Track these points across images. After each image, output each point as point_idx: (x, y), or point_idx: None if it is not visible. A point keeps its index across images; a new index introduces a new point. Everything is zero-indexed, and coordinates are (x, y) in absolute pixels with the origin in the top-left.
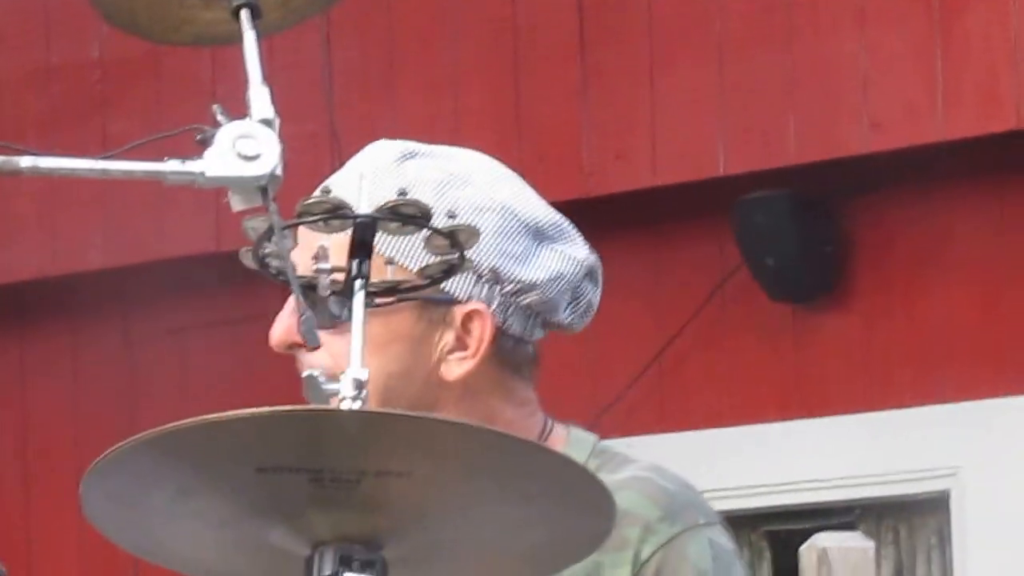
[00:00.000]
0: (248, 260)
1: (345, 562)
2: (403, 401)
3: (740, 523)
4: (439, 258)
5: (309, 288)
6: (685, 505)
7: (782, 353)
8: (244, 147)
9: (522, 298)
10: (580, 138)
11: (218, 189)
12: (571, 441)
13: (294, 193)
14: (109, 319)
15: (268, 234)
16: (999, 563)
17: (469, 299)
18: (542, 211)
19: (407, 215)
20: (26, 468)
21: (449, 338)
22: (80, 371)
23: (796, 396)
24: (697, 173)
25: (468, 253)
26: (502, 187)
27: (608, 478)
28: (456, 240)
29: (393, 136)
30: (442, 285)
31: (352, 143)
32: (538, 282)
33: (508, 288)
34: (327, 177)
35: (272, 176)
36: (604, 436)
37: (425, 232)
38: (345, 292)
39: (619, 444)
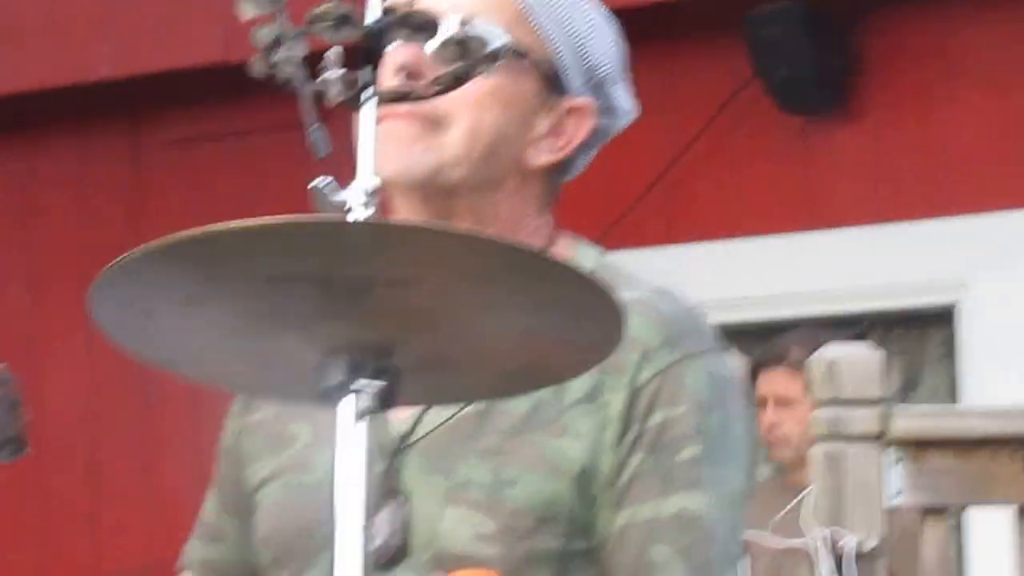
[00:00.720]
0: (258, 69)
1: (356, 369)
2: (493, 165)
3: (748, 334)
4: (448, 66)
5: (320, 95)
6: (686, 331)
7: (792, 166)
8: None
9: (603, 119)
10: None
11: None
12: (580, 252)
13: (304, 1)
14: (117, 130)
15: (277, 42)
16: (1004, 374)
17: (578, 95)
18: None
19: (416, 23)
20: (35, 275)
21: (545, 124)
22: (87, 180)
23: (805, 208)
24: None
25: (591, 52)
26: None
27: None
28: (467, 48)
29: None
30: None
31: None
32: (619, 111)
33: (602, 102)
34: None
35: None
36: (613, 247)
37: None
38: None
39: (628, 255)
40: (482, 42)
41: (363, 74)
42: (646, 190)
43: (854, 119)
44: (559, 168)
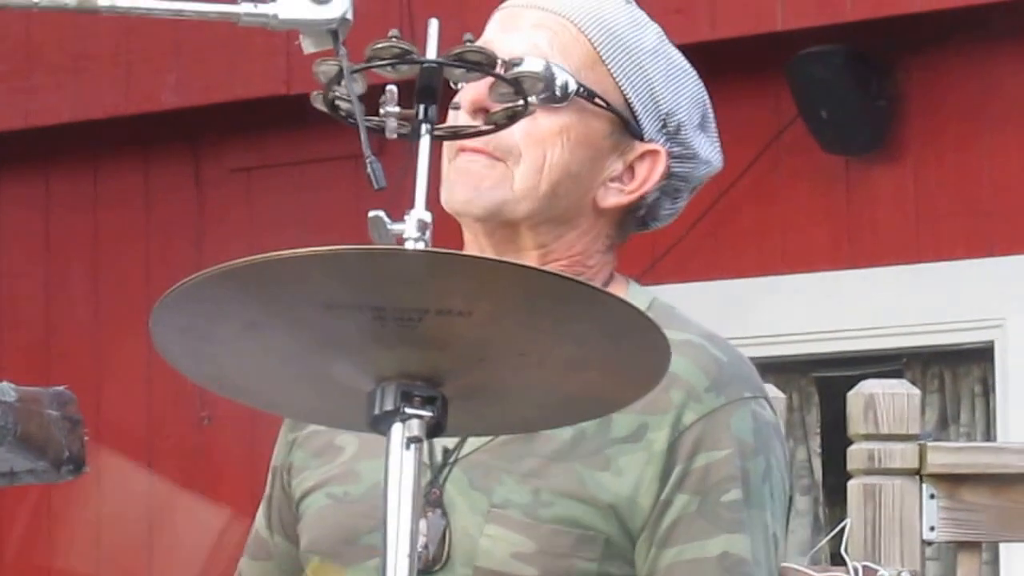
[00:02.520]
0: (318, 103)
1: (406, 397)
2: (560, 202)
3: (790, 368)
4: (502, 105)
5: (377, 130)
6: (733, 377)
7: (834, 204)
8: None
9: (680, 166)
10: None
11: (290, 32)
12: (631, 291)
13: (365, 37)
14: (180, 158)
15: (338, 77)
16: None
17: (651, 140)
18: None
19: (472, 62)
20: (97, 299)
21: (618, 167)
22: (151, 207)
23: (847, 246)
24: (756, 27)
25: (665, 98)
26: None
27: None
28: (520, 87)
29: None
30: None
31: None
32: (700, 157)
33: (677, 149)
34: (396, 22)
35: (343, 20)
36: (659, 282)
37: (490, 79)
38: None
39: (673, 290)
40: (536, 81)
41: (420, 110)
42: (691, 226)
43: (895, 159)
44: (630, 211)
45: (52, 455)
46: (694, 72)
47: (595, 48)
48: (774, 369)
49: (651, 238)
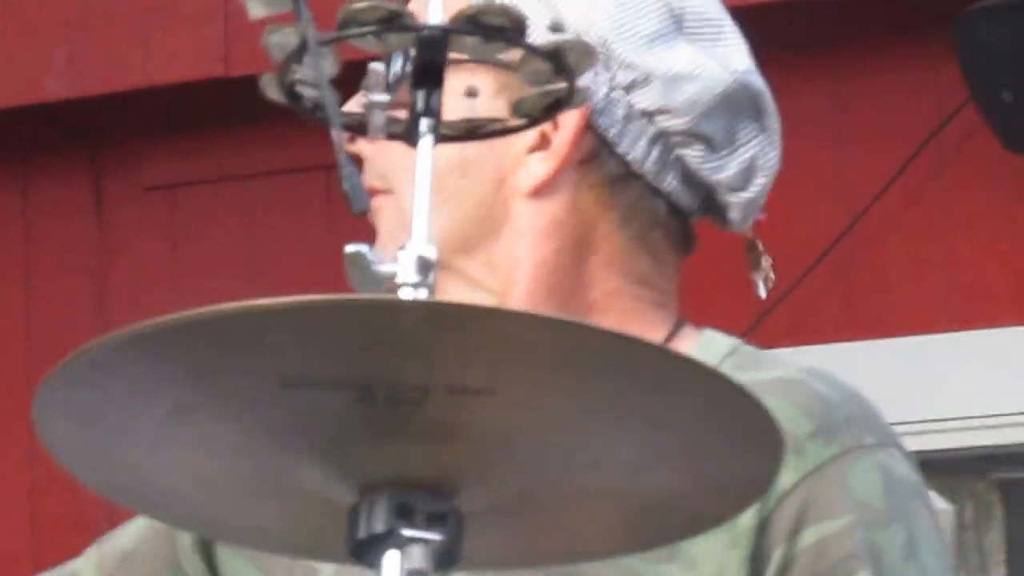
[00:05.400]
0: (270, 89)
1: (404, 514)
2: (469, 221)
3: (960, 468)
4: (538, 88)
5: (356, 129)
6: (848, 418)
7: (1023, 226)
8: None
9: (639, 97)
10: None
11: None
12: (703, 342)
13: None
14: (74, 169)
15: (299, 52)
16: None
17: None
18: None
19: (492, 26)
20: None
21: (531, 134)
22: (32, 239)
23: None
24: None
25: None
26: None
27: (745, 378)
28: (563, 63)
29: None
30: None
31: None
32: (664, 75)
33: (620, 77)
34: None
35: None
36: (767, 346)
37: (517, 51)
38: (406, 134)
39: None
40: (584, 55)
41: (419, 98)
42: (814, 263)
43: None
44: (604, 193)
45: None
46: None
47: None
48: (938, 468)
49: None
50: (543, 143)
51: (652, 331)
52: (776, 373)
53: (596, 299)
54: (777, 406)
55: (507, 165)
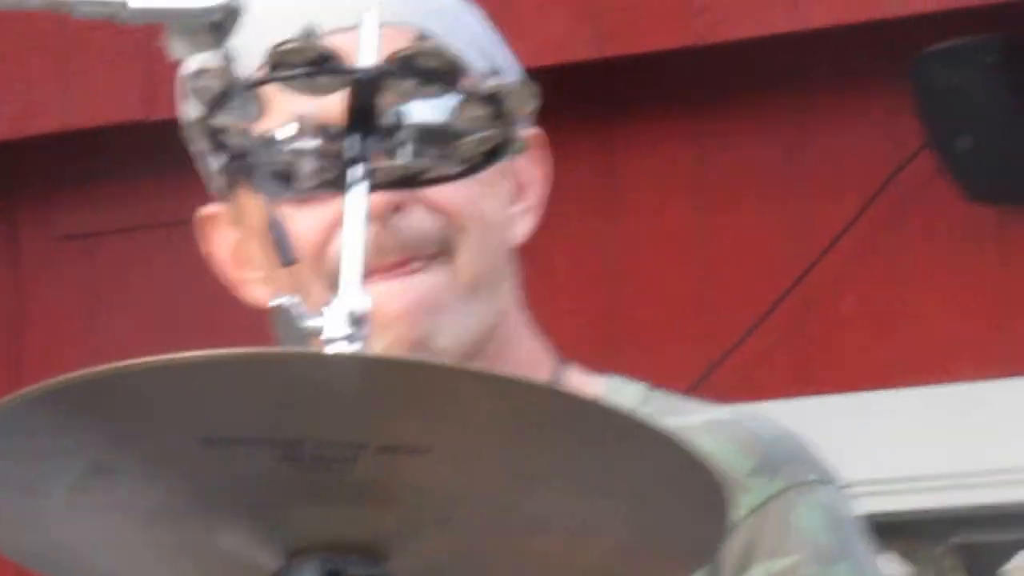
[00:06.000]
0: (193, 135)
1: None
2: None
3: (918, 530)
4: (477, 135)
5: (281, 176)
6: (787, 455)
7: (982, 279)
8: None
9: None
10: None
11: (148, 27)
12: (610, 388)
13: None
14: None
15: (223, 97)
16: None
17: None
18: None
19: (427, 69)
20: None
21: (509, 183)
22: None
23: (1001, 344)
24: (861, 12)
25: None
26: None
27: (672, 423)
28: (501, 107)
29: None
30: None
31: None
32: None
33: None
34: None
35: (228, 8)
36: (721, 398)
37: (455, 95)
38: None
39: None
40: (522, 99)
41: (349, 144)
42: (765, 314)
43: None
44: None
45: None
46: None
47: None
48: (895, 531)
49: (703, 337)
50: (519, 194)
51: (539, 365)
52: (704, 416)
53: (506, 333)
54: (714, 446)
55: (508, 228)
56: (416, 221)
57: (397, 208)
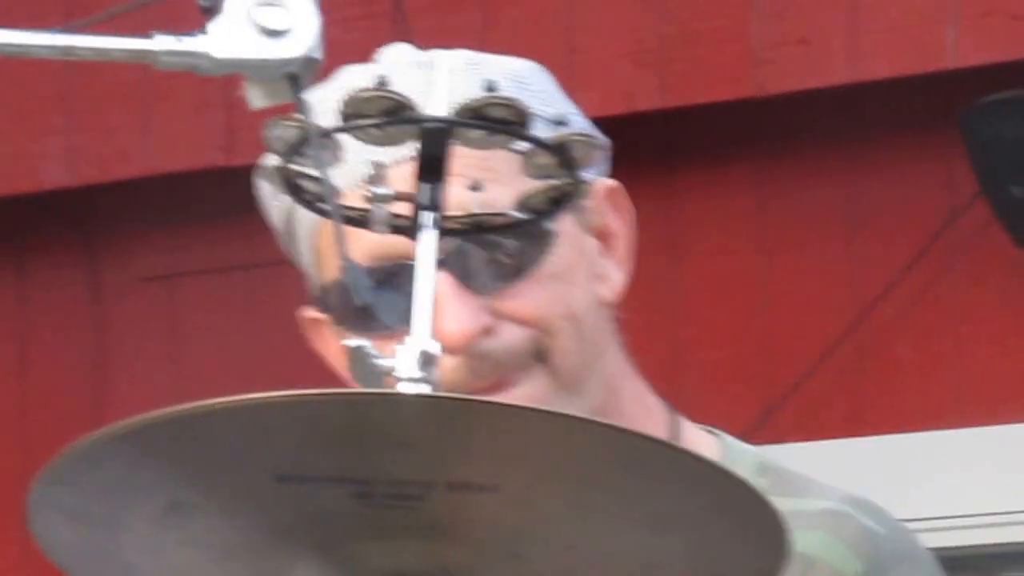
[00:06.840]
0: (271, 180)
1: None
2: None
3: (970, 568)
4: (543, 183)
5: (358, 223)
6: (899, 556)
7: None
8: (267, 17)
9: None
10: (747, 12)
11: (228, 77)
12: (726, 448)
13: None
14: (70, 260)
15: (300, 144)
16: None
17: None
18: None
19: (496, 119)
20: None
21: (593, 237)
22: (31, 329)
23: None
24: (916, 64)
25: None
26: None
27: (787, 505)
28: (567, 156)
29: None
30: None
31: (424, 19)
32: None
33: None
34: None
35: (306, 60)
36: (775, 440)
37: (523, 144)
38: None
39: (793, 452)
40: (588, 148)
41: (420, 191)
42: (820, 358)
43: None
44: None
45: None
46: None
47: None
48: (947, 569)
49: (763, 378)
50: (606, 247)
51: (654, 420)
52: (821, 504)
53: (616, 398)
54: (825, 542)
55: (599, 292)
56: (506, 341)
57: (486, 331)
